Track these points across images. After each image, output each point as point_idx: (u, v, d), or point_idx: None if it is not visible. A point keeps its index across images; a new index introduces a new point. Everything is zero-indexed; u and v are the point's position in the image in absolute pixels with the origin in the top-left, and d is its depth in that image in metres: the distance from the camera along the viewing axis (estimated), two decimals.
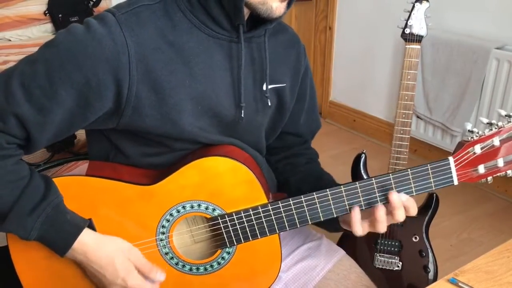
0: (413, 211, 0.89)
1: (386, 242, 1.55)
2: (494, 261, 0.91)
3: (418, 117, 2.65)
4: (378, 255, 1.57)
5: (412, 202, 0.89)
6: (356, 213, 0.88)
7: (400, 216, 0.88)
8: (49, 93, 0.81)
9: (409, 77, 1.45)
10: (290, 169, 1.11)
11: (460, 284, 0.85)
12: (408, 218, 1.49)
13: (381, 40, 2.88)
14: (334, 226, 0.97)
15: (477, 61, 2.30)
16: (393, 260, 1.56)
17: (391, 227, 1.53)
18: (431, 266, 1.54)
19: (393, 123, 1.48)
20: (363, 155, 1.51)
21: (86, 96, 0.82)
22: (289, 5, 0.90)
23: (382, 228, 0.88)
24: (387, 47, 2.85)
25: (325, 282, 1.03)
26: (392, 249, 1.55)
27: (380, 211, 0.87)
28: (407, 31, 1.43)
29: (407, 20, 1.43)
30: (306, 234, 1.14)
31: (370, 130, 3.12)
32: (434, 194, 1.51)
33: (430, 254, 1.54)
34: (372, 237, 1.56)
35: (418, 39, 1.43)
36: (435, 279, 1.55)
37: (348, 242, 1.59)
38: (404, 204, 0.88)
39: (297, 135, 1.13)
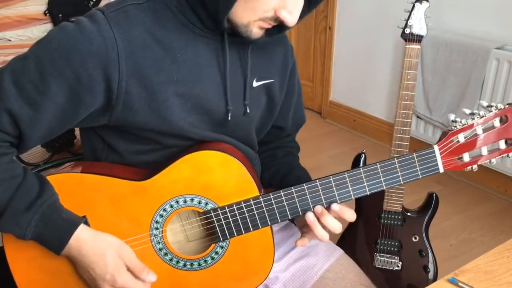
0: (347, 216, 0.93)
1: (386, 242, 1.55)
2: (494, 261, 0.91)
3: (418, 117, 2.65)
4: (378, 255, 1.57)
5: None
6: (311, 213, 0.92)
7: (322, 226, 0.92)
8: (41, 88, 0.82)
9: (409, 77, 1.45)
10: (267, 162, 1.13)
11: (460, 284, 0.85)
12: (408, 218, 1.51)
13: (381, 40, 2.88)
14: None
15: (477, 61, 2.30)
16: (393, 260, 1.56)
17: (391, 227, 1.53)
18: (431, 266, 1.54)
19: (393, 123, 1.48)
20: (363, 155, 1.51)
21: (76, 91, 0.84)
22: (280, 31, 0.92)
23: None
24: (387, 47, 2.85)
25: (323, 282, 1.03)
26: (392, 249, 1.55)
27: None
28: (407, 31, 1.43)
29: (407, 20, 1.43)
30: None
31: (370, 130, 3.12)
32: (434, 194, 1.51)
33: (430, 254, 1.54)
34: (372, 237, 1.56)
35: (418, 39, 1.43)
36: (435, 279, 1.55)
37: (347, 242, 1.59)
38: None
39: (281, 129, 1.14)
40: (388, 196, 1.51)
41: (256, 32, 0.88)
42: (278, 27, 0.91)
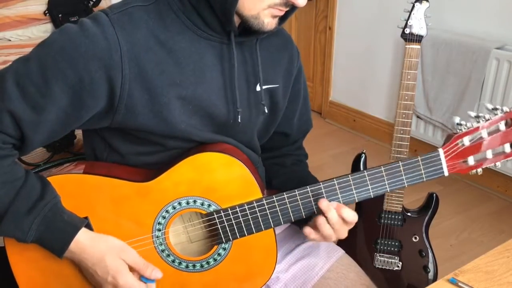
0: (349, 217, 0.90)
1: (386, 242, 1.55)
2: (494, 261, 0.91)
3: (418, 117, 2.65)
4: (378, 255, 1.57)
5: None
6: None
7: (334, 219, 0.89)
8: (43, 90, 0.82)
9: (409, 77, 1.45)
10: (276, 170, 1.12)
11: (460, 284, 0.85)
12: (408, 218, 1.51)
13: (381, 40, 2.88)
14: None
15: (477, 61, 2.30)
16: (393, 260, 1.56)
17: (391, 227, 1.53)
18: (431, 266, 1.54)
19: (393, 123, 1.48)
20: (363, 155, 1.51)
21: (79, 94, 0.83)
22: (282, 20, 0.91)
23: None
24: (387, 47, 2.85)
25: (324, 282, 1.03)
26: (392, 249, 1.55)
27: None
28: (407, 31, 1.43)
29: (407, 20, 1.43)
30: None
31: (370, 130, 3.12)
32: (434, 194, 1.51)
33: (430, 254, 1.54)
34: (372, 237, 1.56)
35: (418, 39, 1.43)
36: (435, 279, 1.55)
37: (347, 242, 1.58)
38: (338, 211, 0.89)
39: (286, 135, 1.13)
40: (388, 196, 1.51)
41: (268, 22, 0.87)
42: (281, 16, 0.90)
